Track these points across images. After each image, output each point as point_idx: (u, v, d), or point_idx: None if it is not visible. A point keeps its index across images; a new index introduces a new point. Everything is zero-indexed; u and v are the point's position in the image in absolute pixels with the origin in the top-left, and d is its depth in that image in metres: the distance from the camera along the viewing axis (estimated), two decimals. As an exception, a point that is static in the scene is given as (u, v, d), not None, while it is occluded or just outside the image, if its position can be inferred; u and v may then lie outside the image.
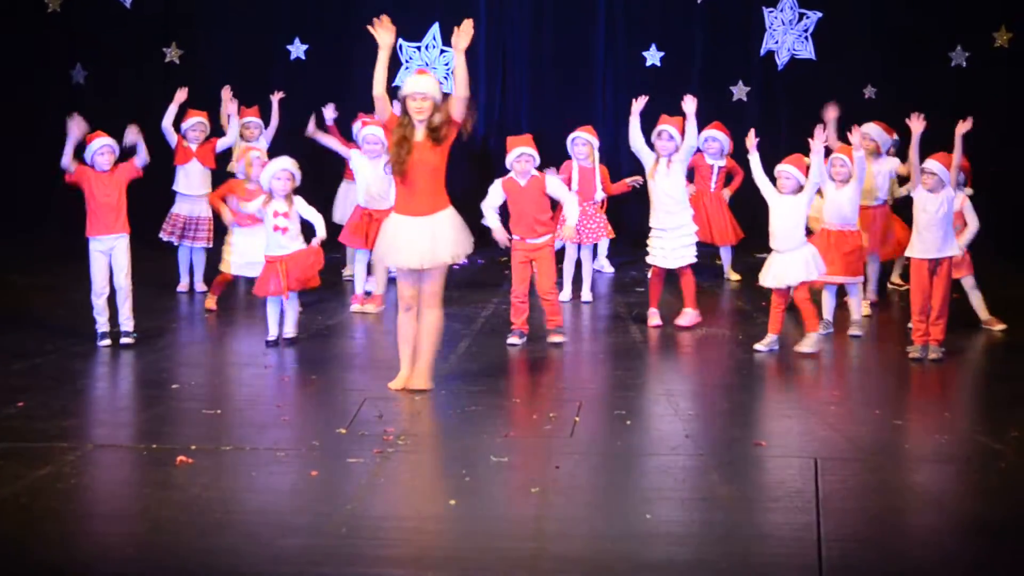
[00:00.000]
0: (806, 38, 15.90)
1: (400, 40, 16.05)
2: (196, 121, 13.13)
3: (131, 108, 15.69)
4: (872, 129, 12.36)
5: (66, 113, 15.92)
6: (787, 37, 15.90)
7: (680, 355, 10.91)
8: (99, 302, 10.90)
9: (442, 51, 16.08)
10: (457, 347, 11.00)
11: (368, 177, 12.13)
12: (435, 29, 16.03)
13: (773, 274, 10.76)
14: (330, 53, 16.14)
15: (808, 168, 10.80)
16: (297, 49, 16.05)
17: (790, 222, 10.65)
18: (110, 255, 10.91)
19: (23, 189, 16.06)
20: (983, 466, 7.95)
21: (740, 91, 16.00)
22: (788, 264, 10.66)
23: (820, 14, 15.87)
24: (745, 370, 10.38)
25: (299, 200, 11.10)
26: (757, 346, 10.79)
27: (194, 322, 11.97)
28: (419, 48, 16.06)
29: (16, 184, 16.06)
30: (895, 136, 12.50)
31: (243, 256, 12.00)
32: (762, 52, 15.93)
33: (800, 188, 10.71)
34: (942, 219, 10.50)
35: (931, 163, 10.59)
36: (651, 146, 11.61)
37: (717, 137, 13.56)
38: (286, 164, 11.13)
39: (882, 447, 8.30)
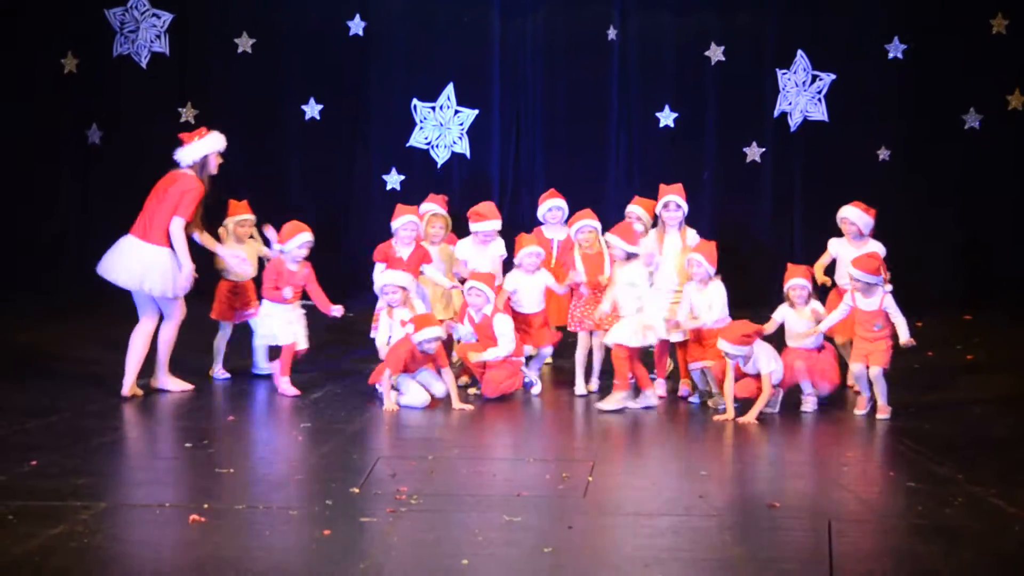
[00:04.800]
0: (819, 100, 15.96)
1: (415, 100, 16.14)
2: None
3: (147, 168, 15.79)
4: (851, 212, 11.80)
5: (82, 172, 16.13)
6: (800, 99, 15.95)
7: (692, 417, 10.89)
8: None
9: (456, 111, 16.16)
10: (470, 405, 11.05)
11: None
12: (449, 89, 16.11)
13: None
14: (344, 113, 16.22)
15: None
16: (312, 109, 16.14)
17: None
18: None
19: (37, 246, 16.13)
20: (998, 530, 7.93)
21: (753, 152, 16.05)
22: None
23: (834, 76, 15.92)
24: (757, 432, 10.38)
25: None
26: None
27: (207, 381, 11.93)
28: (433, 108, 16.15)
29: (30, 241, 16.14)
30: (874, 216, 12.07)
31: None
32: (775, 113, 15.98)
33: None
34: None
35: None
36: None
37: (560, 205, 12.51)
38: (390, 278, 11.54)
39: (896, 510, 8.30)
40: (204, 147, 11.33)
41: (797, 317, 10.94)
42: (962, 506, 8.35)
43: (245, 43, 16.09)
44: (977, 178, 15.87)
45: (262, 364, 11.98)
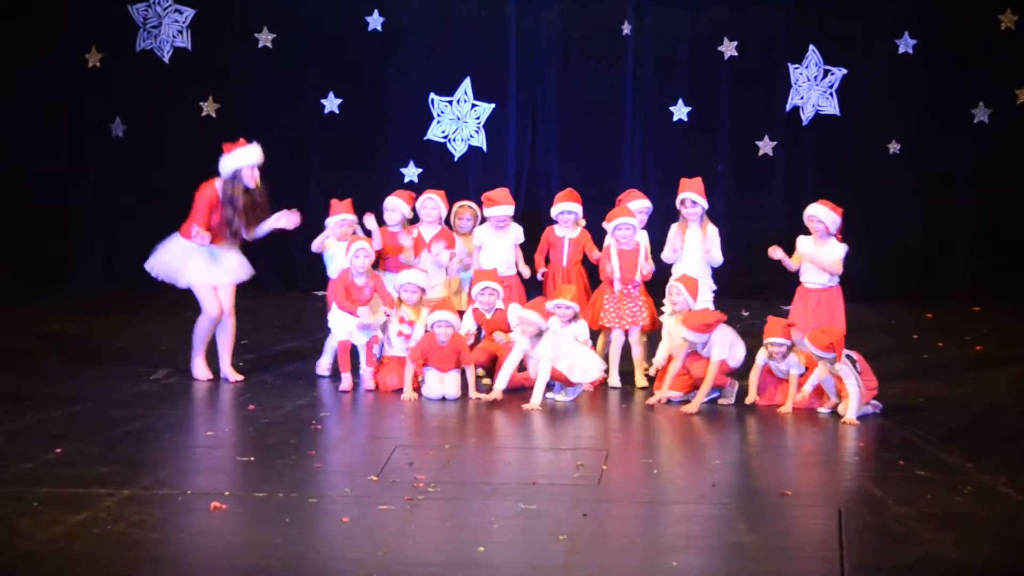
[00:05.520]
0: (831, 94, 16.01)
1: (432, 94, 16.24)
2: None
3: (169, 160, 15.97)
4: (819, 211, 11.60)
5: (106, 165, 16.25)
6: (812, 93, 16.01)
7: (704, 408, 10.84)
8: None
9: (473, 105, 16.25)
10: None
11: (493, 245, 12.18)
12: (466, 84, 16.19)
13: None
14: (363, 107, 16.31)
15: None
16: (331, 103, 16.23)
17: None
18: None
19: (62, 238, 16.27)
20: (1007, 518, 8.00)
21: (766, 146, 16.11)
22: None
23: (845, 71, 15.97)
24: (769, 422, 10.46)
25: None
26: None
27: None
28: (450, 102, 16.24)
29: (56, 233, 16.27)
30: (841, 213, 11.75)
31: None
32: (788, 108, 16.04)
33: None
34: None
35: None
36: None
37: (573, 209, 12.31)
38: (412, 278, 11.55)
39: (906, 498, 8.32)
40: (234, 160, 11.45)
41: (776, 366, 10.89)
42: (971, 494, 8.40)
43: (266, 38, 16.18)
44: (986, 171, 15.92)
45: (325, 365, 11.89)
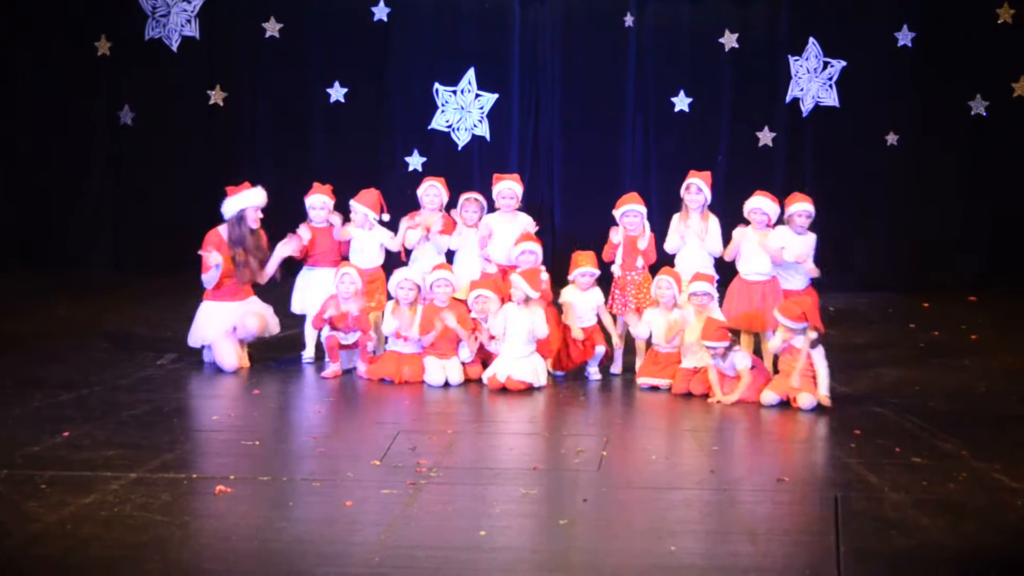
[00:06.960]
0: (830, 86, 16.09)
1: (436, 84, 16.31)
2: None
3: (177, 147, 16.04)
4: (763, 203, 11.59)
5: (115, 152, 16.35)
6: (812, 85, 16.09)
7: (703, 396, 10.86)
8: None
9: (476, 95, 16.32)
10: (486, 384, 11.16)
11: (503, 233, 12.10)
12: (470, 74, 16.25)
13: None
14: (368, 96, 16.37)
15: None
16: (337, 92, 16.30)
17: None
18: None
19: (71, 225, 16.37)
20: (1001, 505, 8.05)
21: (766, 136, 16.18)
22: None
23: (844, 63, 16.04)
24: (767, 408, 10.48)
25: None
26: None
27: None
28: (454, 92, 16.30)
29: (65, 220, 16.36)
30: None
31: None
32: (787, 99, 16.12)
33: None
34: None
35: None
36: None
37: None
38: (408, 274, 11.49)
39: (902, 484, 8.38)
40: (239, 202, 11.54)
41: (721, 365, 10.88)
42: (966, 481, 8.46)
43: (273, 27, 16.24)
44: (982, 163, 16.01)
45: (309, 355, 11.99)
